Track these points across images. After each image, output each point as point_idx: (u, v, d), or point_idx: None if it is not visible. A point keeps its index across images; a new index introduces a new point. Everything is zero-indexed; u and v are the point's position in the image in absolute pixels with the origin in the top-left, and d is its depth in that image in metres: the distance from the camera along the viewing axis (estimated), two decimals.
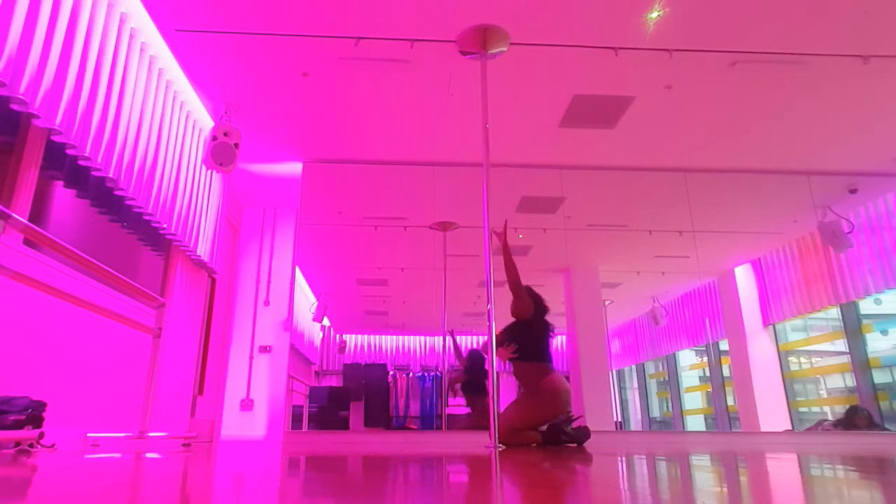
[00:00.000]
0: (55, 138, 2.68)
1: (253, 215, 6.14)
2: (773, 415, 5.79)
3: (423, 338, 6.24)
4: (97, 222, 3.39)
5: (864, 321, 5.63)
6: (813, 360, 6.55)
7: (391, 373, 6.05)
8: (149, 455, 2.19)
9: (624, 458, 2.03)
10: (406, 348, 6.47)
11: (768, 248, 6.30)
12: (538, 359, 3.36)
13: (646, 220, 5.67)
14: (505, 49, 3.59)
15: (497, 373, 3.21)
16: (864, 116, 4.40)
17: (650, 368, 7.92)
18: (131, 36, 3.30)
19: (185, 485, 1.04)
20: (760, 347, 6.11)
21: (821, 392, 6.38)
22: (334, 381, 6.07)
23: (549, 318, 3.47)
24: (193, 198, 4.15)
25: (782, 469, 1.53)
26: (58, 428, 2.65)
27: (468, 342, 6.58)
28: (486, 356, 3.55)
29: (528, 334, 3.43)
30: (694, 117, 4.45)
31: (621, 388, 8.20)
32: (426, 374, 5.94)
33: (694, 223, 5.47)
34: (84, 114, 2.81)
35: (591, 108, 4.30)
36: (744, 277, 6.37)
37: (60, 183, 3.01)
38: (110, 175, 3.06)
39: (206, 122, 4.42)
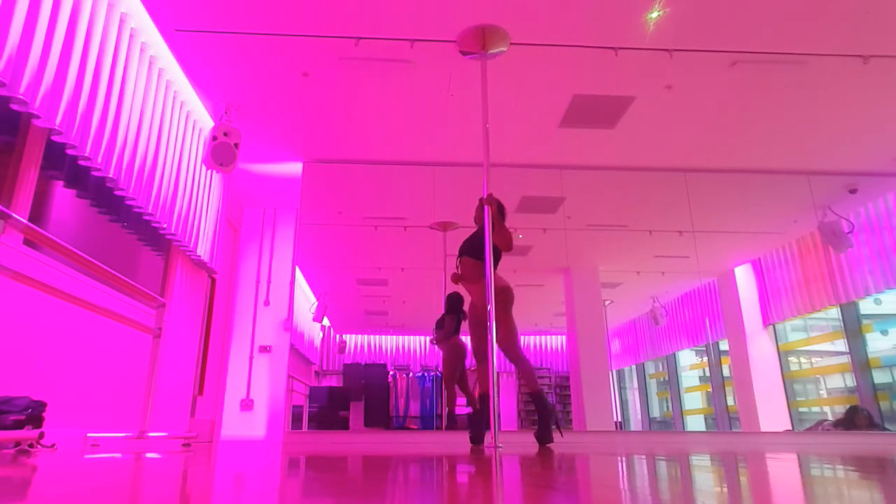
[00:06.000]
0: (55, 138, 2.68)
1: (253, 215, 6.14)
2: (773, 415, 5.79)
3: (423, 338, 6.25)
4: (97, 222, 3.39)
5: (864, 321, 5.64)
6: (813, 360, 6.55)
7: (391, 373, 6.05)
8: (149, 455, 2.19)
9: (624, 458, 2.03)
10: (406, 348, 6.48)
11: (768, 248, 6.30)
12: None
13: (646, 220, 5.67)
14: (505, 49, 3.59)
15: (497, 373, 3.21)
16: (864, 116, 4.40)
17: (650, 368, 7.93)
18: (131, 36, 3.30)
19: (185, 485, 1.04)
20: (760, 347, 6.11)
21: (821, 392, 6.38)
22: (334, 381, 6.07)
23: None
24: (193, 198, 4.15)
25: (782, 469, 1.53)
26: (58, 428, 2.65)
27: (467, 342, 6.57)
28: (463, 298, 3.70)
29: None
30: (694, 117, 4.45)
31: (621, 388, 8.21)
32: (426, 374, 5.94)
33: (694, 223, 5.48)
34: (84, 114, 2.81)
35: (591, 108, 4.30)
36: (744, 277, 6.37)
37: (60, 183, 3.01)
38: (110, 175, 3.06)
39: (206, 122, 4.42)
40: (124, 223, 3.51)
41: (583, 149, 4.94)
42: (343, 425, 5.57)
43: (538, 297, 6.78)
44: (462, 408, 5.86)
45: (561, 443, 3.12)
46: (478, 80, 3.62)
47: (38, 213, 2.87)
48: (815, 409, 6.25)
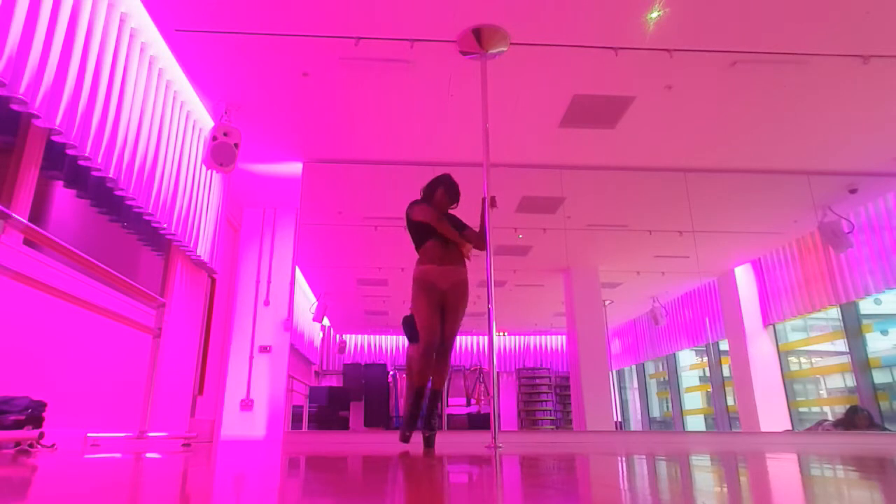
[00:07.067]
0: (55, 138, 2.68)
1: (253, 215, 6.14)
2: (773, 415, 5.79)
3: None
4: (97, 222, 3.39)
5: (864, 321, 5.64)
6: (813, 360, 6.55)
7: (391, 373, 6.05)
8: (149, 455, 2.19)
9: (624, 458, 2.03)
10: (406, 348, 6.47)
11: (768, 248, 6.30)
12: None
13: (646, 220, 5.67)
14: (505, 49, 3.59)
15: (497, 373, 3.21)
16: (864, 116, 4.40)
17: (650, 368, 7.93)
18: (131, 36, 3.30)
19: (185, 485, 1.04)
20: (760, 347, 6.11)
21: (821, 392, 6.38)
22: (334, 381, 6.07)
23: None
24: (193, 198, 4.15)
25: (782, 469, 1.53)
26: (58, 428, 2.65)
27: (467, 342, 6.57)
28: None
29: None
30: (694, 117, 4.45)
31: (621, 388, 8.21)
32: None
33: (694, 223, 5.47)
34: (84, 114, 2.81)
35: (591, 108, 4.30)
36: (744, 277, 6.37)
37: (60, 183, 3.01)
38: (110, 175, 3.06)
39: (206, 122, 4.42)
40: (124, 223, 3.51)
41: (583, 149, 4.94)
42: (343, 425, 5.57)
43: (538, 297, 6.78)
44: (460, 408, 5.85)
45: (561, 443, 3.12)
46: (478, 80, 3.62)
47: (38, 213, 2.87)
48: (815, 409, 6.25)
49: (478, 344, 6.61)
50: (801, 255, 5.99)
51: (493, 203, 3.27)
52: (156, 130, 3.58)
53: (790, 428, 5.77)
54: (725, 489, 1.01)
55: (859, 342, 5.59)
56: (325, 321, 6.04)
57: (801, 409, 6.08)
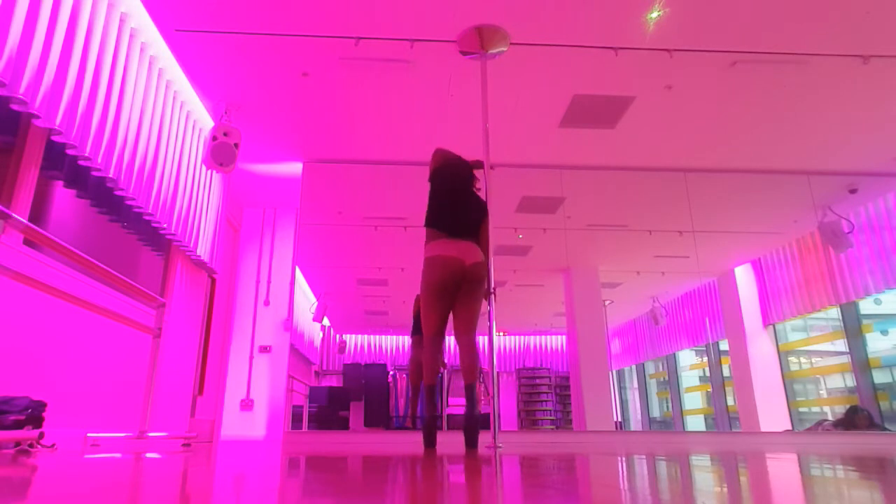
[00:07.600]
0: (55, 138, 2.68)
1: (253, 215, 6.14)
2: (773, 415, 5.79)
3: None
4: (97, 222, 3.39)
5: (864, 321, 5.64)
6: (813, 360, 6.55)
7: (391, 373, 6.05)
8: (149, 455, 2.19)
9: (624, 459, 2.03)
10: (406, 348, 6.47)
11: (768, 248, 6.30)
12: (429, 225, 3.16)
13: (646, 220, 5.67)
14: (505, 49, 3.59)
15: (497, 373, 3.21)
16: (864, 116, 4.40)
17: (650, 368, 7.93)
18: (131, 36, 3.30)
19: (185, 485, 1.04)
20: (760, 347, 6.11)
21: (821, 392, 6.38)
22: (334, 381, 6.07)
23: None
24: (193, 198, 4.15)
25: (782, 469, 1.53)
26: (58, 428, 2.65)
27: None
28: None
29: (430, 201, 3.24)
30: (694, 117, 4.45)
31: (621, 388, 8.21)
32: None
33: (694, 223, 5.47)
34: (84, 114, 2.81)
35: (591, 108, 4.30)
36: (744, 277, 6.37)
37: (60, 183, 3.01)
38: (110, 175, 3.06)
39: (206, 122, 4.42)
40: (124, 223, 3.51)
41: (583, 149, 4.94)
42: (343, 425, 5.57)
43: (538, 297, 6.78)
44: (460, 408, 5.83)
45: (561, 443, 3.11)
46: (478, 80, 3.62)
47: (38, 213, 2.87)
48: (815, 409, 6.25)
49: (478, 344, 6.60)
50: (801, 255, 6.00)
51: (479, 166, 3.31)
52: (156, 130, 3.58)
53: (790, 428, 5.77)
54: (725, 489, 1.01)
55: (859, 342, 5.59)
56: (325, 321, 6.04)
57: (801, 409, 6.08)
